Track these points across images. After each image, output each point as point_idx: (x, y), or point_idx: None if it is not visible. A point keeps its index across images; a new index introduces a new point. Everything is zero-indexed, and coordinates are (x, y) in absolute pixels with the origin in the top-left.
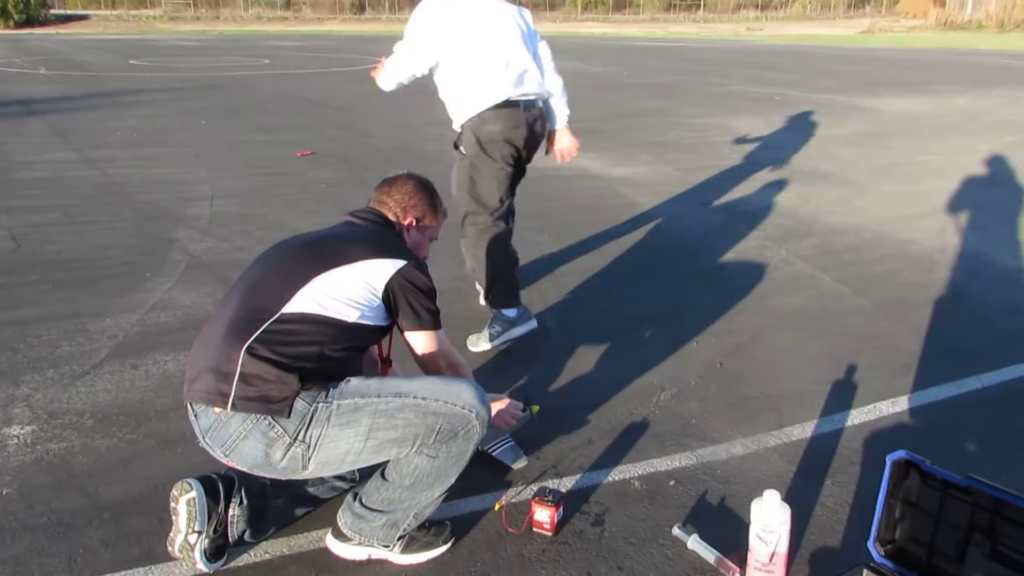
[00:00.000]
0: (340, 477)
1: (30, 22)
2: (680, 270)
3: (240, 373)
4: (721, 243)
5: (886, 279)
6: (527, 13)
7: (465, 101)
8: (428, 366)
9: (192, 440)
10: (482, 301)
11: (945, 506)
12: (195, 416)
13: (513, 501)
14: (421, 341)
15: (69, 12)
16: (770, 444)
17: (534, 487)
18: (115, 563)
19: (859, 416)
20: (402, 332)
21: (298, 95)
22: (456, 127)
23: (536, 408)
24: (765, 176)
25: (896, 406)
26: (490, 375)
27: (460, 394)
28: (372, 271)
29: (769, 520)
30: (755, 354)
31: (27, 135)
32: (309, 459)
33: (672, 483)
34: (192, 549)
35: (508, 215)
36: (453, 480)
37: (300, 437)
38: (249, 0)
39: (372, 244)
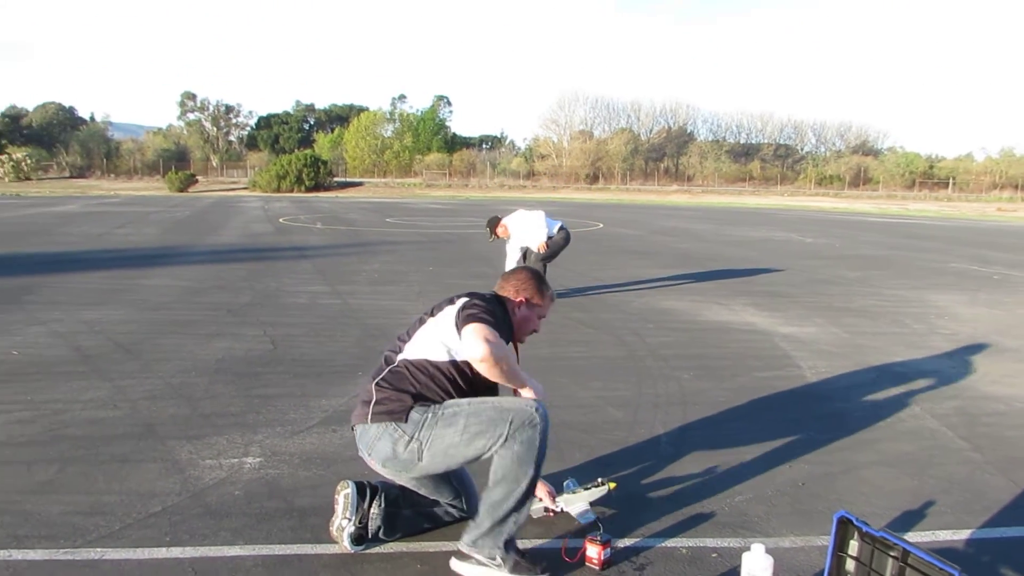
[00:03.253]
0: (453, 505)
1: (317, 187)
2: (804, 413)
3: (374, 399)
4: (858, 395)
5: (1015, 442)
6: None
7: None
8: (491, 364)
9: (362, 476)
10: None
11: (874, 558)
12: (354, 431)
13: (575, 547)
14: (470, 331)
15: (348, 179)
16: (817, 544)
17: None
18: (295, 540)
19: (913, 536)
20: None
21: None
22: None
23: (613, 485)
24: (938, 344)
25: (956, 535)
26: (600, 466)
27: (524, 397)
28: (447, 314)
29: (753, 567)
30: (841, 482)
31: (298, 272)
32: (423, 452)
33: (715, 555)
34: (343, 531)
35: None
36: (532, 471)
37: (416, 436)
38: (496, 170)
39: (454, 298)
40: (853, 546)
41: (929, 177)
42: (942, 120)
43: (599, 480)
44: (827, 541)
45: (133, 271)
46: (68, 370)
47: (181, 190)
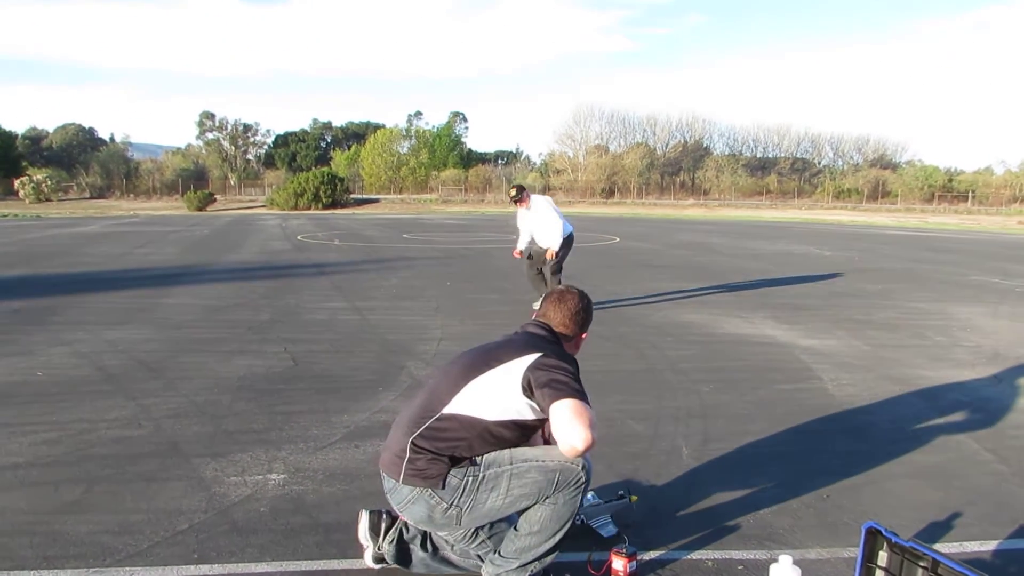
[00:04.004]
0: (480, 557)
1: (334, 204)
2: (827, 425)
3: (407, 458)
4: (881, 407)
5: None
6: (542, 201)
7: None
8: (585, 452)
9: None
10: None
11: (903, 568)
12: (383, 478)
13: (600, 560)
14: (568, 409)
15: (365, 196)
16: (844, 555)
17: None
18: (321, 556)
19: (941, 548)
20: (548, 415)
21: None
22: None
23: (634, 498)
24: (961, 357)
25: (984, 546)
26: (622, 480)
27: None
28: (511, 370)
29: None
30: (866, 494)
31: (316, 289)
32: (462, 517)
33: (741, 568)
34: (365, 552)
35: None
36: (567, 526)
37: (455, 503)
38: (511, 184)
39: (516, 347)
40: (882, 557)
41: (948, 190)
42: (961, 133)
43: (620, 493)
44: (853, 553)
45: (154, 290)
46: (92, 390)
47: (200, 209)
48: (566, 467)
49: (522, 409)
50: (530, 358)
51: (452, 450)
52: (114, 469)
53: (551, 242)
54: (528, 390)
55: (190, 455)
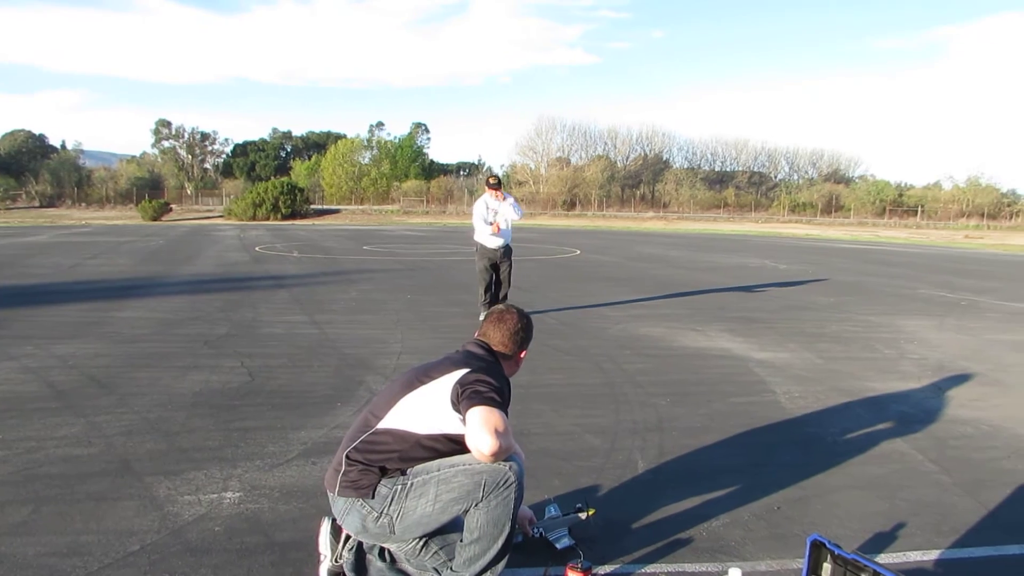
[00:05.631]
0: (436, 570)
1: (294, 215)
2: (779, 437)
3: (343, 471)
4: (830, 419)
5: (981, 464)
6: (512, 200)
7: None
8: (495, 459)
9: None
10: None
11: None
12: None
13: (556, 575)
14: (478, 416)
15: (325, 207)
16: (793, 567)
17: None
18: (276, 575)
19: (885, 558)
20: (465, 422)
21: None
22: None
23: (592, 511)
24: (908, 369)
25: (926, 556)
26: (578, 493)
27: None
28: (441, 385)
29: None
30: (815, 505)
31: (274, 302)
32: (395, 526)
33: None
34: (319, 564)
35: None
36: (508, 530)
37: (385, 511)
38: (473, 197)
39: (449, 364)
40: (826, 568)
41: (899, 205)
42: (911, 149)
43: (578, 506)
44: (799, 563)
45: (106, 303)
46: (41, 406)
47: (155, 219)
48: (493, 469)
49: (452, 423)
50: (458, 374)
51: (384, 461)
52: (63, 489)
53: (509, 219)
54: (456, 404)
55: (142, 474)
